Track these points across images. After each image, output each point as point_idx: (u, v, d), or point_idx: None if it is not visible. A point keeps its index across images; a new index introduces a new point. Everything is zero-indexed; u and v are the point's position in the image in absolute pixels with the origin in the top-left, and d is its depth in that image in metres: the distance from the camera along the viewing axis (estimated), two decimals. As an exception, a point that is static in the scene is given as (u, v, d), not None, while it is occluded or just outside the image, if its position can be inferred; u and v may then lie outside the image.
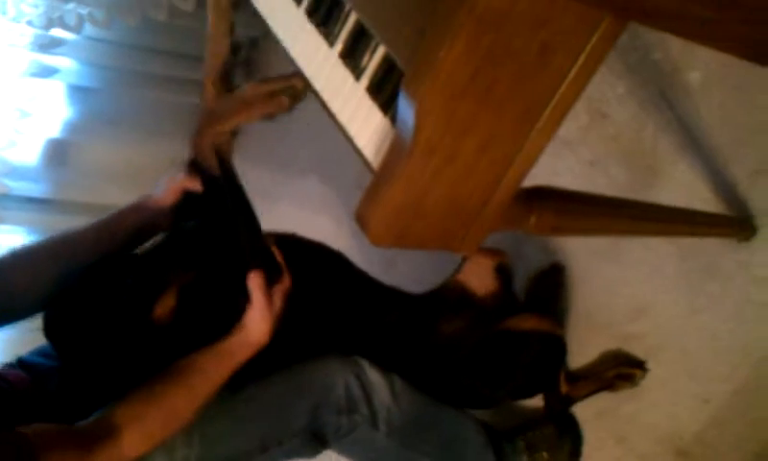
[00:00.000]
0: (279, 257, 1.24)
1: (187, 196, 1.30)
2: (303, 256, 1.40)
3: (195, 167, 1.26)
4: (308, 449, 1.36)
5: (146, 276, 1.18)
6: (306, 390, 1.33)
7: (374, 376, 1.40)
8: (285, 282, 1.24)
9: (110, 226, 1.30)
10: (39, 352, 1.29)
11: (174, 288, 1.19)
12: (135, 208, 1.32)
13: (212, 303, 1.24)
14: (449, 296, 1.58)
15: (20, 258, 1.25)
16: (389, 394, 1.40)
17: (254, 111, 1.18)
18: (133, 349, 1.19)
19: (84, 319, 1.17)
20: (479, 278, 1.56)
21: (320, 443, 1.36)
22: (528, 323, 1.52)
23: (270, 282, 1.20)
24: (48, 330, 1.20)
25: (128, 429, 1.10)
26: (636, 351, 1.59)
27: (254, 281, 1.18)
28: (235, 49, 1.30)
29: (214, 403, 1.20)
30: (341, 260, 1.50)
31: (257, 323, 1.19)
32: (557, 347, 1.56)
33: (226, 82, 1.29)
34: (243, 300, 1.19)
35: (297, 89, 1.16)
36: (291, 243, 1.42)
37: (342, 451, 1.43)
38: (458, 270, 1.61)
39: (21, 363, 1.28)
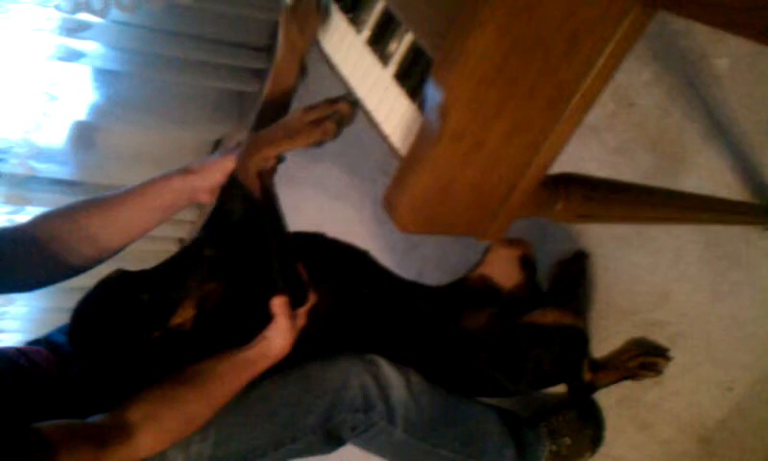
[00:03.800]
0: (305, 277, 1.28)
1: (223, 214, 1.30)
2: (329, 256, 1.44)
3: (237, 186, 1.26)
4: (323, 447, 1.37)
5: (162, 290, 1.22)
6: (321, 389, 1.34)
7: (391, 373, 1.40)
8: (310, 302, 1.28)
9: (147, 198, 1.30)
10: (66, 331, 1.29)
11: (193, 298, 1.22)
12: (176, 184, 1.30)
13: (235, 313, 1.28)
14: (473, 289, 1.58)
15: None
16: (406, 390, 1.40)
17: (301, 139, 1.17)
18: (152, 354, 1.22)
19: (104, 332, 1.21)
20: (503, 269, 1.56)
21: (335, 440, 1.37)
22: (549, 317, 1.52)
23: (295, 305, 1.25)
24: (72, 340, 1.24)
25: (143, 429, 1.12)
26: (660, 338, 1.59)
27: (280, 306, 1.23)
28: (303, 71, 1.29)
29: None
30: (366, 260, 1.52)
31: (279, 338, 1.24)
32: (578, 339, 1.56)
33: (282, 109, 1.30)
34: (267, 312, 1.24)
35: (343, 114, 1.15)
36: (318, 243, 1.46)
37: (360, 446, 1.44)
38: (481, 261, 1.61)
39: (48, 342, 1.29)
